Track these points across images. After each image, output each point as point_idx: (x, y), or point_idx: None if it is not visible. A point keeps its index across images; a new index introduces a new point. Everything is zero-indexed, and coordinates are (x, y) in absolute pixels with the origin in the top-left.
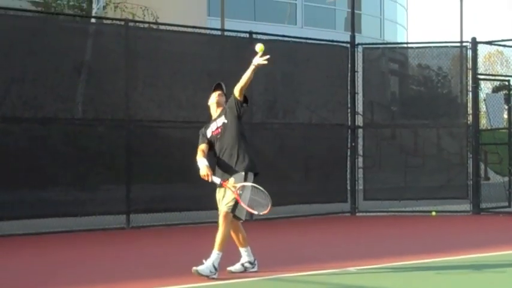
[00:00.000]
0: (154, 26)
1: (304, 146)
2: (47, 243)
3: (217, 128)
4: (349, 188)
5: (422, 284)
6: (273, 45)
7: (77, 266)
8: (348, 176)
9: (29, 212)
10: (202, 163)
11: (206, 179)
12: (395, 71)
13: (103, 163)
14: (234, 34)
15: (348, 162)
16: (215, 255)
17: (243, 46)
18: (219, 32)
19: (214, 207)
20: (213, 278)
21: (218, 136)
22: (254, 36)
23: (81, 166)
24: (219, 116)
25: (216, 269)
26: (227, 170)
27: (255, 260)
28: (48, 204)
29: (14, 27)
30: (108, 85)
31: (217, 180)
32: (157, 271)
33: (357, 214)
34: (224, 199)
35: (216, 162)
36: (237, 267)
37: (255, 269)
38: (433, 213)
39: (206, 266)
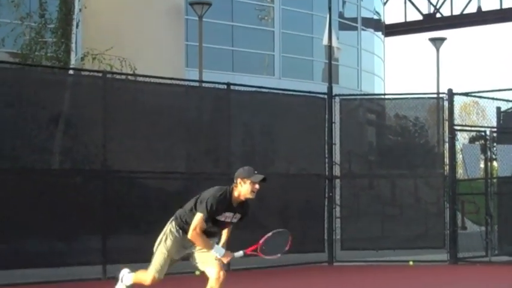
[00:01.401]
0: (132, 78)
1: (282, 196)
2: None
3: (231, 222)
4: (326, 237)
5: None
6: (251, 96)
7: None
8: (326, 226)
9: (4, 262)
10: (220, 251)
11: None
12: (372, 121)
13: (80, 213)
14: (211, 85)
15: (326, 212)
16: None
17: (221, 97)
18: (196, 83)
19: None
20: None
21: (221, 226)
22: (232, 87)
23: (58, 216)
24: (237, 210)
25: None
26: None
27: None
28: (24, 255)
29: None
30: (85, 136)
31: (239, 254)
32: None
33: (334, 264)
34: (211, 257)
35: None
36: None
37: None
38: (411, 263)
39: None
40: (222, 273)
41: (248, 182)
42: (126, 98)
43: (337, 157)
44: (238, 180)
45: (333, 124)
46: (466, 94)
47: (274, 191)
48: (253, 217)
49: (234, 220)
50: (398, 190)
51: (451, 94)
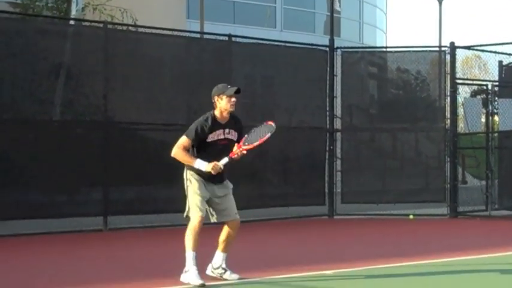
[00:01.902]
0: (133, 29)
1: (283, 149)
2: (24, 244)
3: (226, 138)
4: (327, 191)
5: (398, 286)
6: (252, 49)
7: (53, 267)
8: (326, 179)
9: (6, 213)
10: (202, 163)
11: (218, 169)
12: (374, 74)
13: (81, 165)
14: (213, 37)
15: (326, 166)
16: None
17: (222, 49)
18: (198, 35)
19: None
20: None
21: (220, 147)
22: (233, 39)
23: (59, 168)
24: (228, 126)
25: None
26: (221, 180)
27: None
28: (25, 206)
29: None
30: (86, 87)
31: (224, 160)
32: (133, 273)
33: (335, 217)
34: (233, 206)
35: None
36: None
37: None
38: (411, 216)
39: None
40: (238, 221)
41: (224, 97)
42: (127, 49)
43: (338, 110)
44: (216, 98)
45: (335, 77)
46: (468, 47)
47: (275, 144)
48: (254, 170)
49: (229, 136)
50: (399, 144)
51: (453, 47)
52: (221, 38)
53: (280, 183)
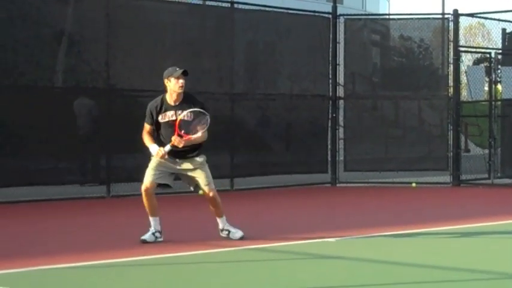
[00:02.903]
0: None
1: (285, 117)
2: (24, 211)
3: (178, 118)
4: (329, 158)
5: (399, 254)
6: (255, 15)
7: (55, 234)
8: (329, 147)
9: (7, 180)
10: (154, 147)
11: (161, 155)
12: (377, 42)
13: (83, 132)
14: (215, 3)
15: (329, 133)
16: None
17: (225, 16)
18: (200, 1)
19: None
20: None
21: (174, 125)
22: (236, 5)
23: (61, 135)
24: (180, 108)
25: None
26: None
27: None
28: (26, 173)
29: None
30: (88, 54)
31: (167, 148)
32: (129, 241)
33: (337, 185)
34: (202, 180)
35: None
36: (147, 236)
37: (161, 239)
38: (413, 184)
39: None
40: (211, 193)
41: (172, 79)
42: (129, 15)
43: (340, 78)
44: (165, 81)
45: (337, 44)
46: (472, 15)
47: (278, 112)
48: (256, 138)
49: (185, 117)
50: (401, 112)
51: (456, 15)
52: (223, 4)
53: (282, 151)
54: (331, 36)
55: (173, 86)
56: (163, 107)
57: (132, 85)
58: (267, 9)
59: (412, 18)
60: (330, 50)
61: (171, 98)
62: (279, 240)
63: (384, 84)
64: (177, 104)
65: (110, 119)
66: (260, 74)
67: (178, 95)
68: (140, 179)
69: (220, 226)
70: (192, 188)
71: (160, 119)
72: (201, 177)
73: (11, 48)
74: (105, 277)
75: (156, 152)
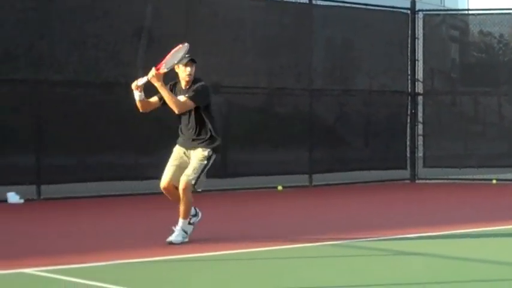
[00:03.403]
0: None
1: (364, 113)
2: (109, 205)
3: None
4: (408, 155)
5: (480, 251)
6: (333, 11)
7: (142, 227)
8: (408, 143)
9: (90, 175)
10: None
11: (134, 86)
12: (455, 37)
13: (164, 128)
14: (293, 0)
15: (408, 130)
16: (181, 223)
17: (303, 12)
18: None
19: None
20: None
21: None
22: (314, 2)
23: (142, 131)
24: (186, 92)
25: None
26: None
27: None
28: (109, 168)
29: None
30: (168, 50)
31: (144, 79)
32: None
33: (417, 181)
34: (188, 169)
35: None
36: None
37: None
38: (494, 181)
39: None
40: (183, 184)
41: (180, 66)
42: (208, 12)
43: (419, 74)
44: (176, 67)
45: (416, 40)
46: None
47: (356, 108)
48: (335, 134)
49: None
50: (481, 108)
51: None
52: (302, 0)
53: (361, 147)
54: (409, 32)
55: (181, 73)
56: (175, 90)
57: (210, 81)
58: (346, 5)
59: (491, 14)
60: (409, 45)
61: (183, 83)
62: (358, 236)
63: (463, 80)
64: (187, 88)
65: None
66: (338, 70)
67: (188, 81)
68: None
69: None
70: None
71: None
72: (190, 166)
73: (92, 44)
74: (192, 270)
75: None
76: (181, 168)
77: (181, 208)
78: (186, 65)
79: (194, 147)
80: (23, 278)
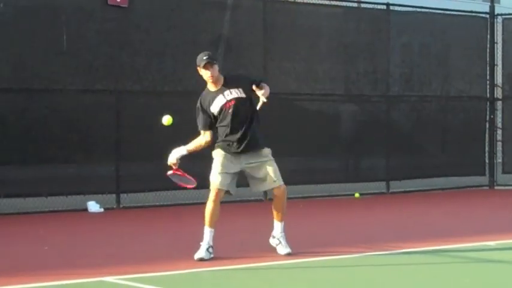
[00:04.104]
0: (291, 0)
1: (441, 119)
2: (187, 214)
3: (230, 100)
4: (487, 161)
5: None
6: (410, 17)
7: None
8: (486, 149)
9: (168, 184)
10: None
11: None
12: None
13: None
14: (371, 6)
15: (486, 135)
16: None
17: (380, 18)
18: (355, 4)
19: None
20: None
21: (230, 110)
22: (391, 7)
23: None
24: (226, 89)
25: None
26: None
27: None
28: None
29: (154, 2)
30: (245, 59)
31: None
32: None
33: (495, 187)
34: (270, 174)
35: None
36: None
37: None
38: None
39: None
40: (282, 188)
41: (200, 69)
42: (285, 19)
43: (498, 79)
44: (199, 69)
45: (495, 45)
46: None
47: (433, 114)
48: (412, 140)
49: (232, 96)
50: None
51: None
52: (379, 7)
53: (438, 153)
54: (488, 36)
55: (204, 76)
56: (210, 97)
57: (288, 88)
58: (423, 10)
59: None
60: (488, 50)
61: (211, 85)
62: (438, 244)
63: None
64: (220, 87)
65: (266, 122)
66: (416, 76)
67: (213, 82)
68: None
69: (275, 232)
70: (255, 189)
71: (216, 110)
72: (269, 171)
73: (170, 54)
74: (282, 278)
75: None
76: (231, 176)
77: (279, 211)
78: (205, 68)
79: (250, 152)
80: (104, 286)
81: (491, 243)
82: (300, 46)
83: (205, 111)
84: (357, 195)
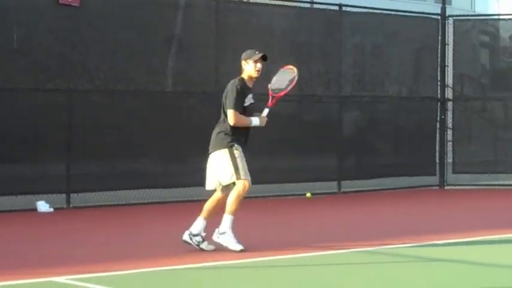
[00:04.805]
0: (245, 0)
1: (393, 119)
2: (140, 213)
3: (253, 103)
4: (438, 161)
5: (510, 258)
6: (363, 18)
7: (167, 235)
8: (437, 149)
9: (121, 183)
10: (257, 120)
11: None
12: (486, 43)
13: (192, 135)
14: (323, 7)
15: (437, 136)
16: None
17: (333, 19)
18: (308, 5)
19: None
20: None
21: (251, 110)
22: (344, 8)
23: (171, 138)
24: (253, 91)
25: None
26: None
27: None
28: (139, 176)
29: (106, 1)
30: (198, 58)
31: (265, 112)
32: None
33: (446, 187)
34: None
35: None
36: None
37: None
38: None
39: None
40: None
41: (250, 61)
42: (238, 19)
43: (449, 80)
44: (243, 62)
45: (446, 46)
46: None
47: (385, 114)
48: (364, 140)
49: (253, 101)
50: (511, 113)
51: None
52: (331, 7)
53: (390, 153)
54: (439, 37)
55: (250, 69)
56: (246, 91)
57: None
58: (375, 11)
59: None
60: (439, 51)
61: (248, 81)
62: (386, 243)
63: (494, 85)
64: (252, 86)
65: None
66: (368, 77)
67: (254, 79)
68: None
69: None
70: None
71: (246, 104)
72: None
73: (122, 53)
74: (215, 279)
75: (264, 119)
76: None
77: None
78: (256, 61)
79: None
80: (54, 287)
81: (440, 242)
82: (252, 46)
83: (241, 98)
84: (308, 195)
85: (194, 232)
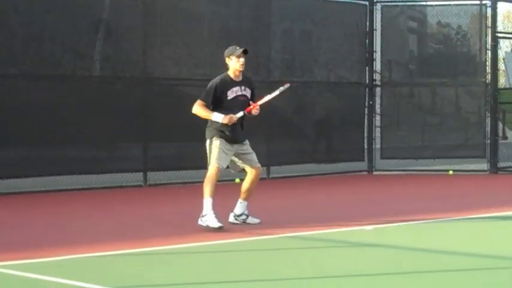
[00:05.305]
0: None
1: (322, 105)
2: (63, 200)
3: (243, 95)
4: (366, 146)
5: (437, 241)
6: (292, 3)
7: (91, 222)
8: (365, 135)
9: (47, 169)
10: (219, 116)
11: (234, 120)
12: (413, 29)
13: (120, 121)
14: None
15: (366, 121)
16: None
17: (262, 4)
18: None
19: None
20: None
21: (239, 103)
22: None
23: (99, 124)
24: (243, 84)
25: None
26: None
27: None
28: (66, 162)
29: None
30: (125, 43)
31: (239, 114)
32: (171, 229)
33: (374, 173)
34: (254, 157)
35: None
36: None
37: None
38: (450, 172)
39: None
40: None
41: (233, 57)
42: (166, 3)
43: (377, 65)
44: (226, 59)
45: (374, 31)
46: (510, 0)
47: (314, 99)
48: (293, 126)
49: (245, 93)
50: (439, 99)
51: (494, 1)
52: None
53: (318, 139)
54: (367, 23)
55: (234, 64)
56: (230, 84)
57: (168, 73)
58: None
59: (449, 5)
60: (367, 37)
61: (234, 75)
62: (316, 228)
63: (421, 71)
64: (239, 80)
65: (146, 108)
66: (296, 62)
67: (240, 72)
68: (177, 167)
69: (241, 210)
70: (234, 171)
71: (229, 94)
72: (253, 155)
73: (48, 37)
74: (146, 264)
75: (228, 117)
76: (228, 157)
77: (251, 191)
78: (239, 56)
79: (241, 141)
80: None
81: (369, 227)
82: (181, 31)
83: (218, 93)
84: (237, 180)
85: (237, 213)
